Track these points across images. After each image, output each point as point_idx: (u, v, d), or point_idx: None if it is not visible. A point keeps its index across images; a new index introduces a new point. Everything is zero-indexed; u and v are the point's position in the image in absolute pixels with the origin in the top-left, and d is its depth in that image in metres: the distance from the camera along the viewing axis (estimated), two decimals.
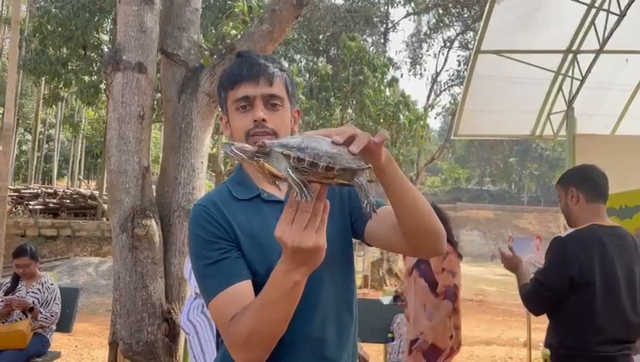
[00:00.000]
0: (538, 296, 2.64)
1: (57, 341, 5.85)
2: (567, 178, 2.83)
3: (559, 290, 2.56)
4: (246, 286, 1.31)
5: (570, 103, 7.83)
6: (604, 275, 2.51)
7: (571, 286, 2.53)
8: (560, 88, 8.15)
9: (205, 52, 5.41)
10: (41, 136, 32.42)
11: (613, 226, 2.67)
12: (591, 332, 2.52)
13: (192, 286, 4.10)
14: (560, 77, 8.11)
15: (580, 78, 7.68)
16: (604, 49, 7.26)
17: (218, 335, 4.00)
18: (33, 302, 4.92)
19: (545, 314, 2.73)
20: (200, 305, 4.06)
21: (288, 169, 0.99)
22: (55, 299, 5.08)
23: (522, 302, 2.78)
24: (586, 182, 2.68)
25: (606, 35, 7.08)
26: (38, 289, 5.03)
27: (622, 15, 6.76)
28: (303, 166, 0.98)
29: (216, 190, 1.52)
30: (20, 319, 4.87)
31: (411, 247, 1.37)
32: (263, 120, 1.42)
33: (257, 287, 1.27)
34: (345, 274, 1.48)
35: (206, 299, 1.34)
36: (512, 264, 2.99)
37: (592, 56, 7.38)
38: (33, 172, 29.40)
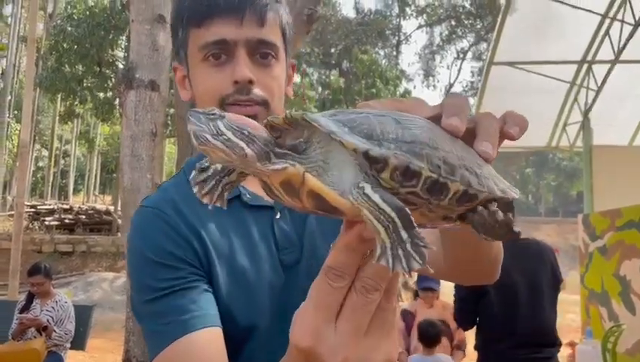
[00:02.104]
0: (457, 310, 3.08)
1: (72, 358, 5.85)
2: None
3: (468, 300, 2.94)
4: (216, 335, 0.84)
5: (586, 114, 7.75)
6: (499, 284, 2.86)
7: (475, 297, 2.90)
8: (575, 99, 8.08)
9: None
10: (57, 152, 32.85)
11: (534, 240, 3.07)
12: (493, 336, 2.89)
13: None
14: (575, 87, 8.04)
15: (596, 89, 7.61)
16: (620, 59, 7.18)
17: None
18: (47, 321, 4.93)
19: None
20: None
21: (371, 192, 0.44)
22: (69, 317, 5.08)
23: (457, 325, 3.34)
24: None
25: (621, 45, 7.01)
26: (52, 308, 5.04)
27: (636, 25, 6.69)
28: (413, 189, 0.45)
29: (172, 182, 1.00)
30: (35, 337, 4.87)
31: (457, 275, 1.03)
32: (250, 81, 0.92)
33: (230, 345, 0.85)
34: None
35: (151, 351, 0.86)
36: None
37: (608, 66, 7.31)
38: (49, 188, 29.73)
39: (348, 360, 0.50)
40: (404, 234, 0.43)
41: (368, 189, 0.44)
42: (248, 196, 0.95)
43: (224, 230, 0.92)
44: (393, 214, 0.43)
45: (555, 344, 2.96)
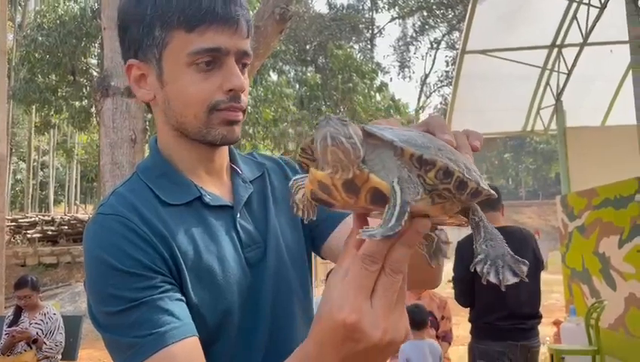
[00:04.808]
0: (457, 290, 3.56)
1: None
2: None
3: (464, 280, 3.44)
4: (195, 344, 0.84)
5: (558, 97, 7.90)
6: None
7: (471, 277, 3.35)
8: (547, 83, 8.23)
9: None
10: (35, 163, 32.40)
11: (504, 226, 3.42)
12: (485, 310, 3.37)
13: None
14: (547, 72, 8.20)
15: (567, 72, 7.77)
16: (588, 42, 7.34)
17: None
18: (37, 333, 4.92)
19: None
20: None
21: (417, 188, 0.56)
22: (58, 328, 5.07)
23: (455, 296, 3.67)
24: None
25: (588, 28, 7.16)
26: (41, 320, 5.03)
27: (602, 7, 6.84)
28: (448, 186, 0.57)
29: (127, 187, 0.97)
30: (25, 351, 4.85)
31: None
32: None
33: (203, 348, 0.85)
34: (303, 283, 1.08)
35: None
36: None
37: (577, 49, 7.46)
38: (29, 200, 29.35)
39: (386, 331, 0.59)
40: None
41: (413, 187, 0.56)
42: (209, 197, 0.97)
43: (189, 232, 0.92)
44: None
45: (537, 316, 3.46)
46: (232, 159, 1.08)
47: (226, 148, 1.06)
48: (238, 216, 0.99)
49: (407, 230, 0.58)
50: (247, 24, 0.95)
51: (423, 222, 0.59)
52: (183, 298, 0.87)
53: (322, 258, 1.12)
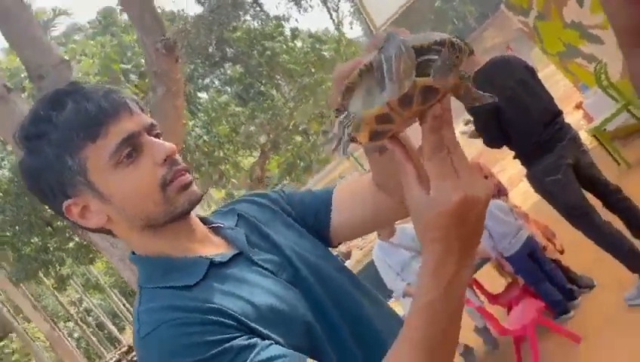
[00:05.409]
0: (486, 134, 3.50)
1: None
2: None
3: (489, 122, 3.39)
4: None
5: None
6: (504, 97, 3.27)
7: (492, 116, 3.35)
8: None
9: None
10: (80, 316, 32.70)
11: (487, 62, 3.43)
12: (524, 136, 3.38)
13: None
14: None
15: None
16: None
17: None
18: None
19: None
20: None
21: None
22: None
23: (485, 143, 3.60)
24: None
25: None
26: None
27: None
28: (458, 55, 0.64)
29: (144, 302, 0.93)
30: None
31: (390, 190, 1.03)
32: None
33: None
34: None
35: None
36: None
37: None
38: (99, 345, 29.74)
39: (486, 186, 0.67)
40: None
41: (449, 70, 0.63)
42: (218, 257, 0.97)
43: (228, 294, 0.90)
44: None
45: (560, 113, 3.52)
46: (205, 221, 1.08)
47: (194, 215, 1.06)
48: (251, 255, 1.00)
49: (445, 111, 0.65)
50: (134, 101, 0.97)
51: (449, 99, 0.66)
52: (272, 341, 0.85)
53: (333, 246, 1.15)
